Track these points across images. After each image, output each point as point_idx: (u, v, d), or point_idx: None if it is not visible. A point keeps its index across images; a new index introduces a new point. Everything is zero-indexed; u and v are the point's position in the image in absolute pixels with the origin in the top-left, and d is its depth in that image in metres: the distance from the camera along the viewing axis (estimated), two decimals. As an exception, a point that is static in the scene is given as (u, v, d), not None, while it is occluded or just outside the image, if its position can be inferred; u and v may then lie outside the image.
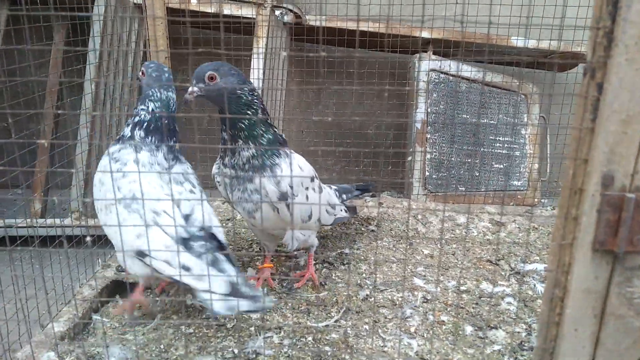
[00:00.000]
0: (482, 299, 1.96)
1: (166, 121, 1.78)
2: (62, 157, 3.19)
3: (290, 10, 3.38)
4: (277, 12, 3.38)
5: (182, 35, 3.40)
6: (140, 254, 1.59)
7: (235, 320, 1.81)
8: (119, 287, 2.07)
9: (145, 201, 1.59)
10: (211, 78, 1.67)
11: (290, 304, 1.94)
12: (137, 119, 1.77)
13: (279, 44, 3.41)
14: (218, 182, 1.90)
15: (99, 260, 2.16)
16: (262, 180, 1.74)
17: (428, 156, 3.38)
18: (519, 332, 1.76)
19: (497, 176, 3.50)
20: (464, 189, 3.44)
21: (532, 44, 3.46)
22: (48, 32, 3.48)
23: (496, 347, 1.69)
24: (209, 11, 3.27)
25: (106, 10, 3.13)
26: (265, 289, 2.02)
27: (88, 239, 1.41)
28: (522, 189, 3.54)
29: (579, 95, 0.89)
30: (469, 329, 1.78)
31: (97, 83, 3.09)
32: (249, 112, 1.73)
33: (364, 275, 2.13)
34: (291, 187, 1.78)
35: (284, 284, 2.04)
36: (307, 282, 2.05)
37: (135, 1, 3.34)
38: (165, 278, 1.62)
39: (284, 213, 1.82)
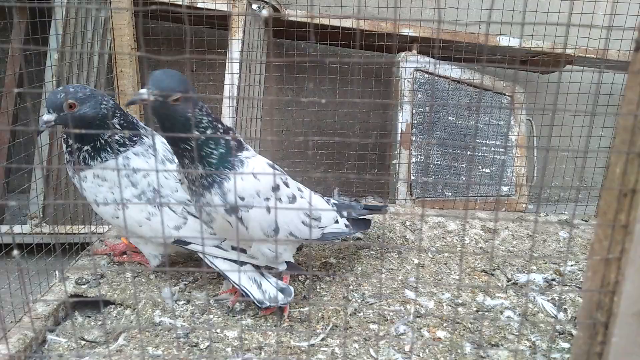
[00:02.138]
0: (479, 312, 1.81)
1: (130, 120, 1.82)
2: (20, 157, 2.95)
3: (268, 4, 3.20)
4: (254, 6, 3.19)
5: (150, 25, 3.18)
6: (183, 243, 1.79)
7: (209, 340, 1.62)
8: (78, 303, 1.85)
9: (166, 194, 1.80)
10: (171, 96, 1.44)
11: (271, 320, 1.75)
12: (109, 147, 1.76)
13: (256, 39, 3.23)
14: (181, 181, 1.73)
15: (56, 273, 1.93)
16: (210, 196, 1.58)
17: (413, 159, 3.24)
18: (522, 351, 1.61)
19: (484, 181, 3.37)
20: (450, 193, 3.31)
21: (515, 43, 3.36)
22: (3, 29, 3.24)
23: (499, 368, 1.54)
24: (180, 3, 3.07)
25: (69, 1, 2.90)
26: (243, 304, 1.82)
27: (15, 252, 1.19)
28: (509, 194, 3.42)
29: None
30: (468, 347, 1.63)
31: (59, 74, 2.86)
32: (197, 131, 1.54)
33: (351, 287, 1.96)
34: (242, 199, 1.59)
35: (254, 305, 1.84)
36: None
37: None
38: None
39: (238, 226, 1.62)
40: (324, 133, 3.63)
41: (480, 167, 3.38)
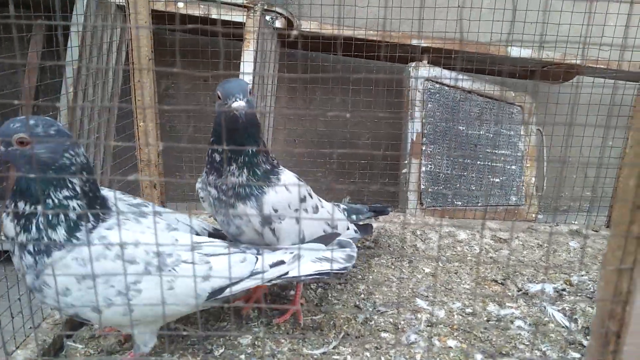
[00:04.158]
0: (490, 322, 1.82)
1: (97, 191, 1.42)
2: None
3: (282, 15, 3.25)
4: (268, 17, 3.24)
5: (168, 36, 3.23)
6: (220, 291, 1.48)
7: (224, 347, 1.64)
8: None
9: (169, 250, 1.43)
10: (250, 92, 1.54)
11: (283, 328, 1.77)
12: (69, 214, 1.32)
13: (270, 51, 3.27)
14: (202, 197, 1.74)
15: (73, 279, 1.96)
16: (244, 207, 1.62)
17: (423, 169, 3.26)
18: (533, 360, 1.62)
19: (493, 190, 3.39)
20: (460, 203, 3.32)
21: (526, 54, 3.38)
22: (21, 43, 3.31)
23: (510, 377, 1.55)
24: (196, 14, 3.12)
25: (86, 14, 2.96)
26: (256, 311, 1.85)
27: None
28: (519, 204, 3.43)
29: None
30: (478, 357, 1.64)
31: (75, 88, 2.92)
32: (260, 136, 1.61)
33: (362, 295, 1.98)
34: (275, 211, 1.64)
35: (268, 313, 1.86)
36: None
37: (117, 2, 3.18)
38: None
39: (269, 238, 1.67)
40: (334, 143, 3.66)
41: (490, 176, 3.39)
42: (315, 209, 1.81)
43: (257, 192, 1.62)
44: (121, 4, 3.16)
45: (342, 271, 1.69)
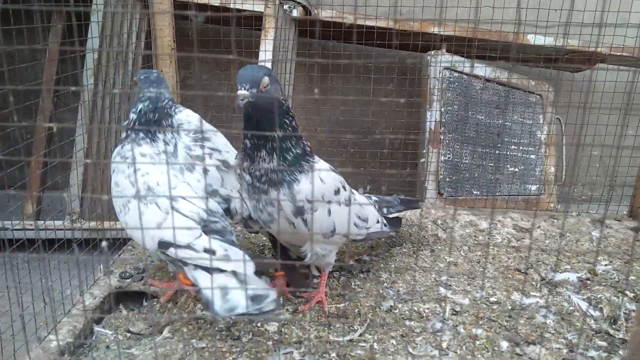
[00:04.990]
0: (514, 311, 1.83)
1: (152, 114, 1.83)
2: (57, 154, 3.02)
3: (299, 3, 3.24)
4: (285, 6, 3.23)
5: (188, 26, 3.24)
6: (163, 246, 1.60)
7: (251, 334, 1.67)
8: (122, 296, 1.91)
9: (162, 191, 1.63)
10: (265, 85, 1.51)
11: (309, 316, 1.79)
12: (125, 122, 1.87)
13: (287, 39, 3.27)
14: (239, 175, 1.75)
15: (101, 267, 2.00)
16: (276, 194, 1.61)
17: (442, 158, 3.25)
18: (559, 349, 1.63)
19: (512, 180, 3.37)
20: (478, 192, 3.31)
21: (548, 42, 3.34)
22: (41, 33, 3.32)
23: (537, 365, 1.55)
24: (215, 4, 3.12)
25: (106, 3, 2.97)
26: (281, 299, 1.87)
27: (104, 243, 1.26)
28: (538, 193, 3.41)
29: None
30: (504, 344, 1.65)
31: (95, 77, 2.94)
32: (286, 121, 1.60)
33: (385, 284, 1.99)
34: (309, 202, 1.63)
35: (295, 301, 1.88)
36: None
37: (137, -7, 3.18)
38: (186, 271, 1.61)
39: (301, 228, 1.67)
40: (353, 132, 3.66)
41: (508, 166, 3.38)
42: (348, 202, 1.81)
43: (290, 179, 1.61)
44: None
45: (212, 312, 1.45)
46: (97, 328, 1.73)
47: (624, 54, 3.20)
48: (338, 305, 1.85)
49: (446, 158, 3.26)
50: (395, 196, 2.21)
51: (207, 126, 1.91)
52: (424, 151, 3.24)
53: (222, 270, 1.51)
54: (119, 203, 1.71)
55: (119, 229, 2.39)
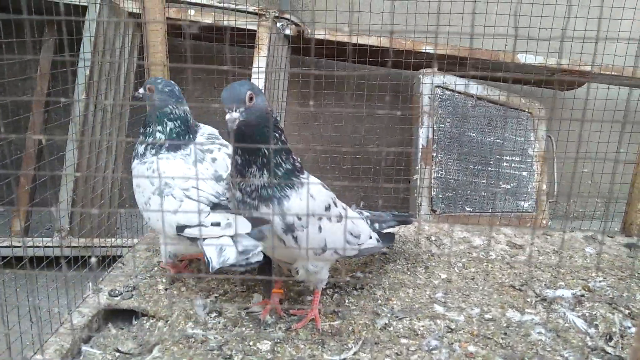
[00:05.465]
0: (510, 328, 1.81)
1: (182, 137, 1.95)
2: (47, 171, 2.99)
3: (292, 22, 3.26)
4: (278, 24, 3.25)
5: (181, 44, 3.24)
6: (180, 229, 1.77)
7: (243, 353, 1.63)
8: (111, 314, 1.87)
9: (175, 183, 1.80)
10: (250, 98, 1.49)
11: (301, 334, 1.76)
12: (150, 138, 1.92)
13: (280, 57, 3.28)
14: (227, 198, 1.73)
15: (90, 284, 1.96)
16: (267, 210, 1.59)
17: (434, 175, 3.25)
18: (556, 366, 1.61)
19: (504, 197, 3.38)
20: (471, 209, 3.31)
21: (538, 61, 3.38)
22: (31, 48, 3.31)
23: (534, 384, 1.53)
24: (209, 21, 3.13)
25: (98, 20, 2.97)
26: (274, 317, 1.84)
27: (93, 259, 1.24)
28: (530, 210, 3.42)
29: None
30: (501, 362, 1.62)
31: (87, 93, 2.93)
32: (275, 134, 1.59)
33: (379, 301, 1.96)
34: (299, 219, 1.62)
35: (287, 319, 1.84)
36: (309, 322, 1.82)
37: (129, 10, 3.19)
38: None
39: (291, 245, 1.65)
40: (345, 149, 3.66)
41: (501, 182, 3.39)
42: (340, 219, 1.78)
43: (280, 195, 1.59)
44: (133, 10, 3.18)
45: (210, 268, 1.62)
46: (85, 347, 1.69)
47: (613, 72, 3.24)
48: (332, 323, 1.82)
49: (439, 175, 3.27)
50: (387, 212, 2.19)
51: (221, 140, 2.07)
52: (417, 168, 3.24)
53: (221, 236, 1.69)
54: (141, 201, 1.91)
55: (109, 246, 2.35)
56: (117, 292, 1.92)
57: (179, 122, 1.93)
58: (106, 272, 2.08)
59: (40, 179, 3.00)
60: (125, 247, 2.36)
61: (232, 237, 1.68)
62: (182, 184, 1.81)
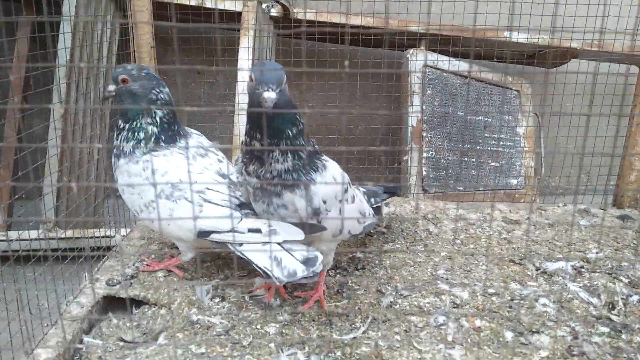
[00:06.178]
0: (514, 301, 1.82)
1: (174, 125, 1.83)
2: (27, 163, 2.88)
3: (278, 2, 3.19)
4: (264, 5, 3.19)
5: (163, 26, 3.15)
6: (204, 234, 1.68)
7: (251, 337, 1.60)
8: (111, 304, 1.82)
9: (186, 185, 1.70)
10: (285, 82, 1.46)
11: (308, 315, 1.74)
12: (141, 133, 1.76)
13: (266, 38, 3.22)
14: (240, 184, 1.69)
15: (86, 275, 1.90)
16: (292, 196, 1.56)
17: (424, 155, 3.25)
18: (563, 336, 1.62)
19: (494, 174, 3.40)
20: (462, 188, 3.32)
21: (523, 38, 3.38)
22: (8, 29, 3.18)
23: (544, 354, 1.54)
24: (193, 4, 3.05)
25: (77, 6, 2.85)
26: (278, 300, 1.81)
27: (118, 236, 1.21)
28: (519, 187, 3.45)
29: None
30: (509, 334, 1.63)
31: (68, 76, 2.82)
32: (297, 116, 1.54)
33: (382, 280, 1.96)
34: (324, 202, 1.60)
35: (292, 301, 1.82)
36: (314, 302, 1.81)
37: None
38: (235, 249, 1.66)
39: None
40: (331, 131, 3.62)
41: (490, 160, 3.40)
42: (353, 199, 1.78)
43: (306, 179, 1.55)
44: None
45: (277, 282, 1.53)
46: (87, 338, 1.64)
47: (597, 49, 3.27)
48: (337, 304, 1.80)
49: (428, 155, 3.26)
50: (377, 185, 2.19)
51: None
52: (407, 148, 3.23)
53: (267, 243, 1.60)
54: (138, 203, 1.77)
55: (100, 237, 2.30)
56: (114, 281, 1.87)
57: (166, 108, 1.79)
58: (101, 262, 2.03)
59: (23, 169, 2.90)
60: (112, 237, 2.30)
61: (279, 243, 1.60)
62: (194, 186, 1.72)
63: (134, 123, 1.77)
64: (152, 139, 1.77)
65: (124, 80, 1.75)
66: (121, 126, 1.79)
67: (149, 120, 1.78)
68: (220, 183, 1.77)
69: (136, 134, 1.77)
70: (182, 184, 1.71)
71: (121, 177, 1.79)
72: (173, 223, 1.74)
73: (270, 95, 1.39)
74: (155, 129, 1.78)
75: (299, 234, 1.58)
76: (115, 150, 1.80)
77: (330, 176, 1.63)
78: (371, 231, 2.33)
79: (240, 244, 1.63)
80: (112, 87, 1.78)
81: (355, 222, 1.79)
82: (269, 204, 1.59)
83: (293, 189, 1.54)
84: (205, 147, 1.88)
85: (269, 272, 1.54)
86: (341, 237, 1.78)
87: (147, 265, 1.98)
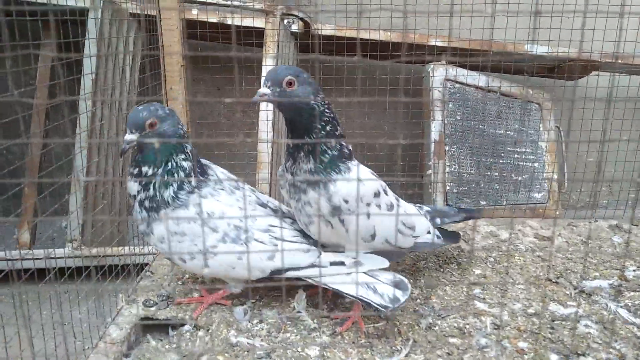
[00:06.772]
0: (555, 322, 1.79)
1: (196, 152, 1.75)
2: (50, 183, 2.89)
3: (300, 18, 3.20)
4: (285, 21, 3.20)
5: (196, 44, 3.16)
6: (277, 272, 1.69)
7: (293, 359, 1.58)
8: (148, 326, 1.80)
9: (247, 225, 1.67)
10: (289, 84, 1.53)
11: (347, 337, 1.72)
12: (181, 173, 1.65)
13: (288, 54, 3.23)
14: (281, 185, 1.77)
15: (122, 296, 1.89)
16: (313, 193, 1.63)
17: (447, 169, 3.23)
18: (609, 359, 1.59)
19: (517, 189, 3.37)
20: (485, 202, 3.30)
21: (545, 51, 3.38)
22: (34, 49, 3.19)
23: (592, 378, 1.51)
24: (214, 20, 3.06)
25: (102, 22, 2.87)
26: (315, 321, 1.79)
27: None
28: (542, 201, 3.42)
29: None
30: (554, 357, 1.60)
31: (93, 99, 2.83)
32: (320, 124, 1.60)
33: (418, 300, 1.93)
34: (346, 202, 1.62)
35: (329, 323, 1.79)
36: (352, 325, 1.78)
37: (131, 11, 3.10)
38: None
39: (338, 229, 1.67)
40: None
41: (513, 175, 3.38)
42: (390, 207, 1.76)
43: (326, 179, 1.62)
44: (135, 12, 3.09)
45: (382, 308, 1.62)
46: (126, 362, 1.62)
47: (619, 61, 3.26)
48: (376, 325, 1.78)
49: (452, 169, 3.25)
50: (452, 207, 2.19)
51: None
52: (430, 163, 3.22)
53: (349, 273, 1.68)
54: (189, 251, 1.65)
55: (129, 255, 2.29)
56: (151, 302, 1.85)
57: (189, 143, 1.68)
58: (135, 282, 2.01)
59: (47, 188, 2.90)
60: (143, 254, 2.29)
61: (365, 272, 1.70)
62: (257, 225, 1.69)
63: (169, 164, 1.63)
64: (192, 175, 1.67)
65: (151, 125, 1.59)
66: (149, 173, 1.62)
67: (182, 156, 1.66)
68: (272, 216, 1.79)
69: (175, 176, 1.64)
70: (242, 224, 1.66)
71: (162, 226, 1.64)
72: (240, 266, 1.68)
73: (261, 89, 1.52)
74: (190, 164, 1.66)
75: (383, 262, 1.70)
76: (148, 203, 1.63)
77: (353, 178, 1.65)
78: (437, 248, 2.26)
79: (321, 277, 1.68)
80: (132, 137, 1.57)
81: (398, 233, 1.78)
82: (298, 200, 1.67)
83: (314, 187, 1.62)
84: (230, 177, 1.85)
85: (371, 302, 1.61)
86: (376, 243, 1.76)
87: (200, 305, 1.84)
